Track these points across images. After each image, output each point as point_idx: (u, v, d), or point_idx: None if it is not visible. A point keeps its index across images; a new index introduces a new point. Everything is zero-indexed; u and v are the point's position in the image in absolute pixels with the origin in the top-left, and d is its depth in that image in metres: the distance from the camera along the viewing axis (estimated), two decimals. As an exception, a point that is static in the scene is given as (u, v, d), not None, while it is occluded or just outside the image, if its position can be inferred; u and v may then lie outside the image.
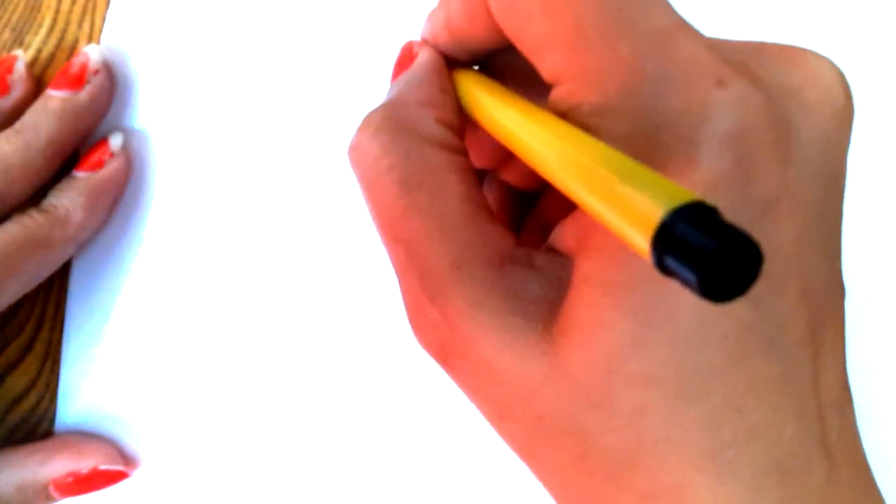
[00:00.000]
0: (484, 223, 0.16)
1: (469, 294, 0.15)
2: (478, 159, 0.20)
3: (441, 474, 0.24)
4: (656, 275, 0.10)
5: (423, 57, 0.19)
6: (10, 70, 0.26)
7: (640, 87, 0.14)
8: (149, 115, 0.27)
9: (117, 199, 0.26)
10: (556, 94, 0.15)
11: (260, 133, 0.26)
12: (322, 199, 0.26)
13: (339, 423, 0.25)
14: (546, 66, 0.15)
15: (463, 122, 0.18)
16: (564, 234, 0.16)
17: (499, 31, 0.17)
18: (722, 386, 0.13)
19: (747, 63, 0.15)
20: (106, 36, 0.28)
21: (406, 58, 0.20)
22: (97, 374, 0.26)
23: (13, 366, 0.27)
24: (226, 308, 0.26)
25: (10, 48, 0.28)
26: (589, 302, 0.14)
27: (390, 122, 0.17)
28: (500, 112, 0.17)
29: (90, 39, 0.28)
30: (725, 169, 0.13)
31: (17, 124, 0.25)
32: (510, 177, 0.21)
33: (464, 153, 0.17)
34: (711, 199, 0.10)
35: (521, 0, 0.15)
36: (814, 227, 0.14)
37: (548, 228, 0.17)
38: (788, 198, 0.14)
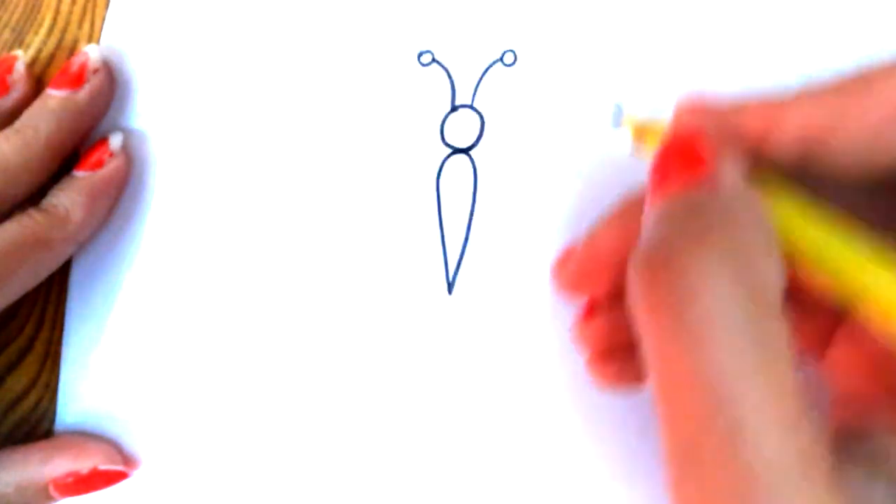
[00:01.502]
0: (814, 417, 0.13)
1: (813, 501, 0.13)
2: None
3: (443, 476, 0.24)
4: None
5: (740, 182, 0.15)
6: (10, 70, 0.26)
7: None
8: (148, 114, 0.27)
9: (117, 199, 0.26)
10: None
11: (259, 132, 0.26)
12: (323, 197, 0.26)
13: (341, 423, 0.25)
14: None
15: None
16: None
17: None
18: None
19: None
20: (106, 36, 0.28)
21: (691, 165, 0.15)
22: (97, 374, 0.26)
23: (13, 366, 0.26)
24: (226, 307, 0.26)
25: (10, 48, 0.28)
26: None
27: (739, 261, 0.13)
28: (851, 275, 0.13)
29: (90, 39, 0.28)
30: None
31: (17, 124, 0.25)
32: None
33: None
34: None
35: None
36: None
37: None
38: None
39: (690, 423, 0.14)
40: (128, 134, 0.27)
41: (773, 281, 0.13)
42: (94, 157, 0.25)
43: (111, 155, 0.26)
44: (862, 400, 0.16)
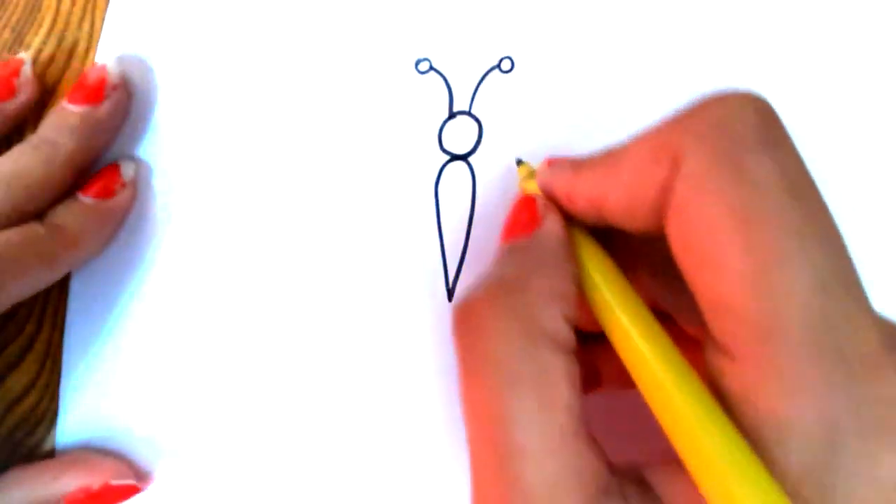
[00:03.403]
0: (585, 446, 0.15)
1: None
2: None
3: (443, 478, 0.25)
4: None
5: (552, 230, 0.18)
6: (16, 73, 0.26)
7: (839, 416, 0.13)
8: (150, 116, 0.27)
9: (122, 224, 0.26)
10: (727, 369, 0.14)
11: (258, 138, 0.26)
12: (322, 204, 0.26)
13: (342, 430, 0.25)
14: (724, 332, 0.14)
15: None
16: (670, 489, 0.15)
17: (657, 232, 0.16)
18: None
19: None
20: (106, 36, 0.28)
21: (525, 217, 0.19)
22: (97, 373, 0.26)
23: (13, 366, 0.27)
24: (227, 308, 0.26)
25: (10, 48, 0.28)
26: None
27: (512, 309, 0.16)
28: (637, 347, 0.16)
29: (90, 39, 0.28)
30: None
31: (35, 138, 0.25)
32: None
33: (577, 357, 0.16)
34: None
35: (719, 255, 0.14)
36: None
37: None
38: None
39: (476, 443, 0.16)
40: (131, 138, 0.27)
41: (551, 319, 0.16)
42: (104, 184, 0.25)
43: (123, 185, 0.26)
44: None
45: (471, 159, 0.25)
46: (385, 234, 0.25)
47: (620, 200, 0.17)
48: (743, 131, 0.15)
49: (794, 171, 0.15)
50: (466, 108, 0.25)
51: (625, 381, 0.17)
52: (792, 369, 0.13)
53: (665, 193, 0.15)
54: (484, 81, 0.25)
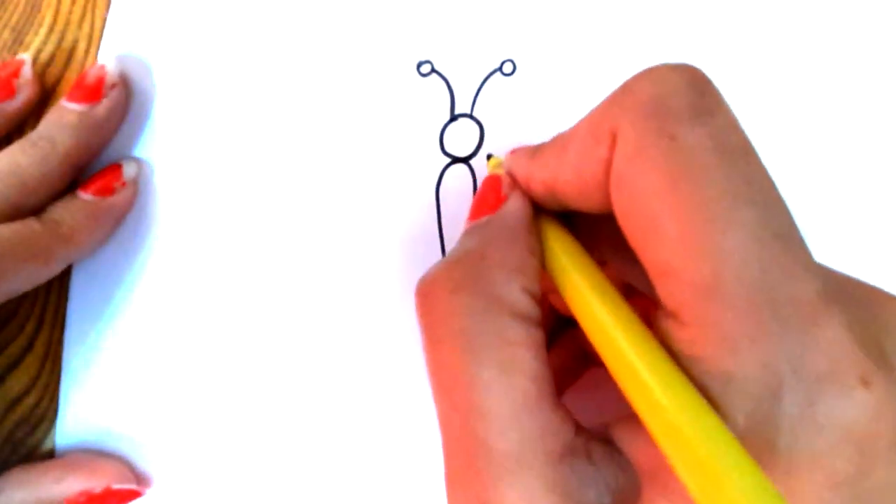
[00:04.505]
0: (550, 408, 0.15)
1: (525, 491, 0.14)
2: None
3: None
4: None
5: (514, 207, 0.19)
6: (16, 74, 0.26)
7: (779, 366, 0.14)
8: (148, 115, 0.27)
9: (120, 223, 0.26)
10: (676, 333, 0.15)
11: (259, 139, 0.26)
12: (324, 206, 0.26)
13: (345, 431, 0.25)
14: (669, 297, 0.15)
15: (543, 285, 0.18)
16: (632, 445, 0.15)
17: (610, 210, 0.16)
18: None
19: (878, 339, 0.14)
20: (106, 36, 0.28)
21: (491, 197, 0.19)
22: (97, 373, 0.26)
23: (13, 366, 0.27)
24: (228, 308, 0.26)
25: (10, 48, 0.28)
26: None
27: (471, 281, 0.16)
28: (595, 312, 0.16)
29: (90, 39, 0.28)
30: (848, 471, 0.13)
31: (33, 136, 0.25)
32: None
33: (541, 325, 0.17)
34: (829, 497, 0.11)
35: (656, 222, 0.15)
36: None
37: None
38: None
39: (443, 411, 0.16)
40: (129, 137, 0.27)
41: (509, 289, 0.16)
42: (105, 182, 0.25)
43: (124, 185, 0.26)
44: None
45: (472, 162, 0.25)
46: (386, 236, 0.25)
47: (570, 181, 0.17)
48: (673, 102, 0.15)
49: (726, 135, 0.15)
50: (468, 111, 0.25)
51: None
52: (731, 325, 0.14)
53: (607, 170, 0.16)
54: (486, 84, 0.26)
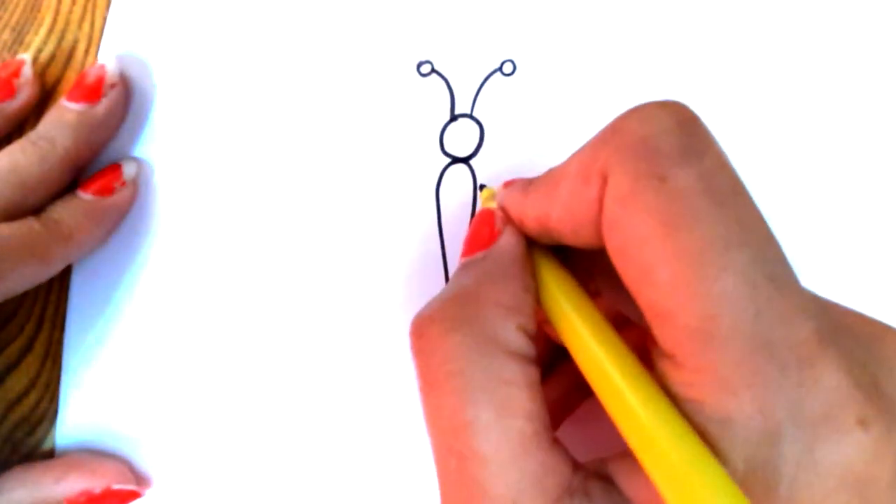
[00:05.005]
0: (548, 448, 0.15)
1: None
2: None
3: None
4: None
5: (508, 243, 0.19)
6: (17, 74, 0.26)
7: (777, 411, 0.14)
8: (148, 115, 0.27)
9: (119, 223, 0.26)
10: (673, 375, 0.15)
11: (259, 138, 0.26)
12: (324, 207, 0.26)
13: (345, 432, 0.25)
14: (665, 339, 0.15)
15: (538, 325, 0.18)
16: (629, 483, 0.15)
17: (602, 246, 0.16)
18: None
19: (876, 377, 0.14)
20: (106, 36, 0.28)
21: (484, 232, 0.19)
22: (97, 373, 0.26)
23: (13, 366, 0.27)
24: (228, 308, 0.26)
25: (10, 48, 0.28)
26: None
27: (466, 321, 0.16)
28: (593, 352, 0.16)
29: (90, 39, 0.28)
30: None
31: (33, 135, 0.25)
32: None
33: (536, 364, 0.17)
34: None
35: (649, 266, 0.15)
36: None
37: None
38: None
39: (440, 453, 0.16)
40: (129, 136, 0.27)
41: (504, 329, 0.16)
42: (105, 182, 0.25)
43: (124, 184, 0.26)
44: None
45: (472, 162, 0.25)
46: (386, 237, 0.25)
47: (562, 219, 0.17)
48: (663, 143, 0.15)
49: (716, 177, 0.15)
50: (468, 111, 0.26)
51: None
52: (727, 370, 0.14)
53: (599, 210, 0.16)
54: (486, 84, 0.26)
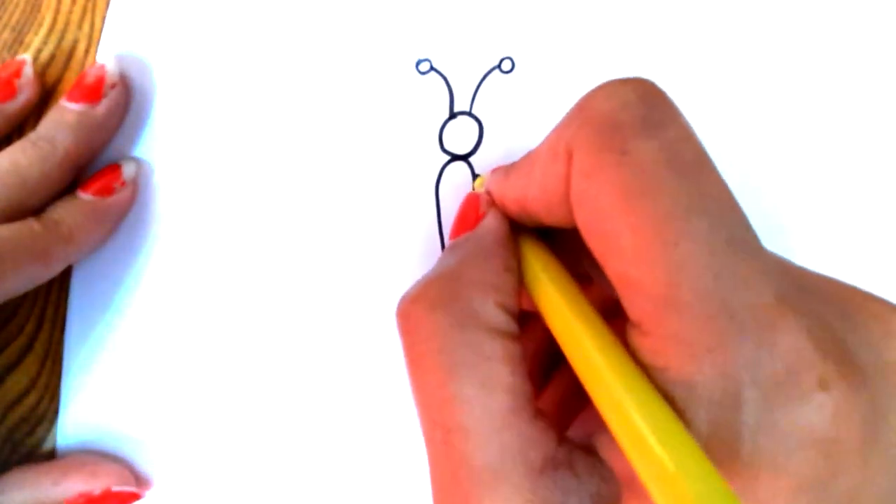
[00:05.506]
0: (529, 420, 0.16)
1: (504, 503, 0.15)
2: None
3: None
4: None
5: (490, 225, 0.19)
6: (18, 74, 0.26)
7: (737, 373, 0.14)
8: (148, 115, 0.27)
9: (119, 224, 0.26)
10: (641, 343, 0.15)
11: (258, 137, 0.26)
12: (323, 205, 0.26)
13: (345, 433, 0.25)
14: (631, 308, 0.15)
15: (521, 302, 0.18)
16: (611, 453, 0.15)
17: (575, 225, 0.16)
18: None
19: (844, 340, 0.14)
20: (106, 36, 0.28)
21: (470, 215, 0.20)
22: (97, 373, 0.26)
23: (13, 366, 0.27)
24: (228, 308, 0.26)
25: (10, 48, 0.28)
26: None
27: (447, 299, 0.17)
28: (568, 323, 0.16)
29: (90, 39, 0.28)
30: (813, 475, 0.13)
31: (33, 135, 0.25)
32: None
33: (518, 339, 0.17)
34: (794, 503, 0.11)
35: (613, 237, 0.15)
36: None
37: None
38: (869, 484, 0.14)
39: (426, 428, 0.16)
40: (129, 137, 0.27)
41: (484, 306, 0.17)
42: (104, 182, 0.25)
43: (123, 184, 0.26)
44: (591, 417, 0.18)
45: (471, 159, 0.25)
46: (386, 234, 0.25)
47: (537, 199, 0.18)
48: (625, 117, 0.15)
49: (679, 148, 0.15)
50: (467, 109, 0.25)
51: None
52: (688, 335, 0.14)
53: (567, 187, 0.16)
54: (484, 82, 0.26)
